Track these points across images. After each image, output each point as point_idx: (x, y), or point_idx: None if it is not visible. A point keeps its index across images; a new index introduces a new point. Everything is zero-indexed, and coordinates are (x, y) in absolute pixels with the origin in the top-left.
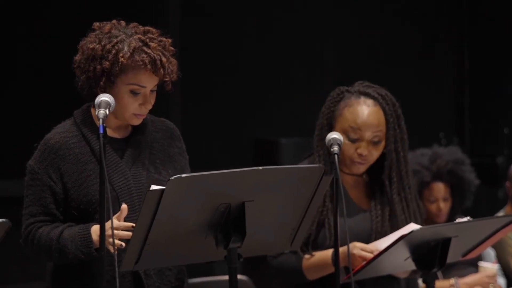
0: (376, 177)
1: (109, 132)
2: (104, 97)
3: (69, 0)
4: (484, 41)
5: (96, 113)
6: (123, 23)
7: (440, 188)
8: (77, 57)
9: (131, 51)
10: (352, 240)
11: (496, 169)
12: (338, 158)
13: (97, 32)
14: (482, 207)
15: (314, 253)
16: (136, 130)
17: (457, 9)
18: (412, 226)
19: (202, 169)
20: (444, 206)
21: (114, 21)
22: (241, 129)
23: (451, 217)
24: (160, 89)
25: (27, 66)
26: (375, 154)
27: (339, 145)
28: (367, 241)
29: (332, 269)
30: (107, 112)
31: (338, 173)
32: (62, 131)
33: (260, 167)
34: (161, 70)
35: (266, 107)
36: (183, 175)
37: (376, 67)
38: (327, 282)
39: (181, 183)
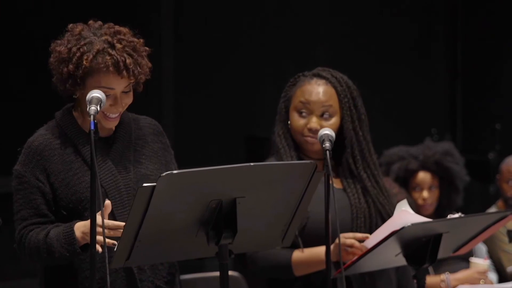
0: (340, 159)
1: None
2: (96, 93)
3: (68, 6)
4: (477, 38)
5: (88, 109)
6: (98, 23)
7: (425, 178)
8: (51, 59)
9: (94, 53)
10: (335, 221)
11: (488, 165)
12: (330, 154)
13: (68, 34)
14: (474, 203)
15: (305, 249)
16: (119, 129)
17: (450, 5)
18: (404, 215)
19: (193, 166)
20: (428, 196)
21: (91, 21)
22: (233, 126)
23: (440, 210)
24: (152, 88)
25: (16, 69)
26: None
27: (330, 141)
28: (350, 218)
29: (322, 266)
30: (98, 109)
31: (330, 169)
32: (44, 133)
33: (252, 164)
34: (124, 72)
35: (257, 104)
36: (174, 172)
37: (368, 63)
38: (307, 279)
39: (172, 180)
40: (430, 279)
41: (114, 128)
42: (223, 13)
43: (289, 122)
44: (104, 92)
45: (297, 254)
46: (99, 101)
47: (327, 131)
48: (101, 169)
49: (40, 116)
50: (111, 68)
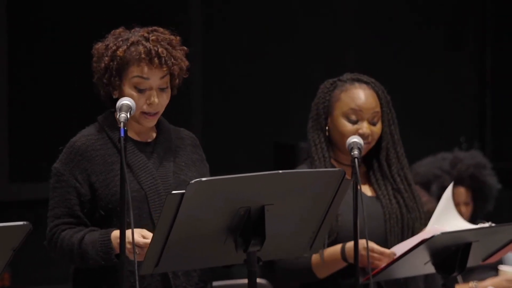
0: (371, 163)
1: (134, 136)
2: (125, 101)
3: (98, 6)
4: (506, 45)
5: (117, 116)
6: (137, 28)
7: (461, 193)
8: (92, 63)
9: (128, 44)
10: (367, 231)
11: None
12: (358, 162)
13: (108, 36)
14: (503, 211)
15: (322, 250)
16: (160, 135)
17: (480, 13)
18: (433, 230)
19: (221, 173)
20: (466, 211)
21: (133, 30)
22: (261, 133)
23: (472, 222)
24: (180, 95)
25: (53, 71)
26: (375, 134)
27: (359, 149)
28: (383, 227)
29: (341, 265)
30: (128, 116)
31: (358, 177)
32: (87, 134)
33: (280, 171)
34: (156, 59)
35: (285, 111)
36: (203, 179)
37: (397, 71)
38: (335, 282)
39: (201, 187)
40: (459, 287)
41: (155, 133)
42: (251, 19)
43: (327, 128)
44: (138, 84)
45: (316, 257)
46: (129, 108)
47: (356, 139)
48: (142, 171)
49: (76, 124)
50: (143, 55)
